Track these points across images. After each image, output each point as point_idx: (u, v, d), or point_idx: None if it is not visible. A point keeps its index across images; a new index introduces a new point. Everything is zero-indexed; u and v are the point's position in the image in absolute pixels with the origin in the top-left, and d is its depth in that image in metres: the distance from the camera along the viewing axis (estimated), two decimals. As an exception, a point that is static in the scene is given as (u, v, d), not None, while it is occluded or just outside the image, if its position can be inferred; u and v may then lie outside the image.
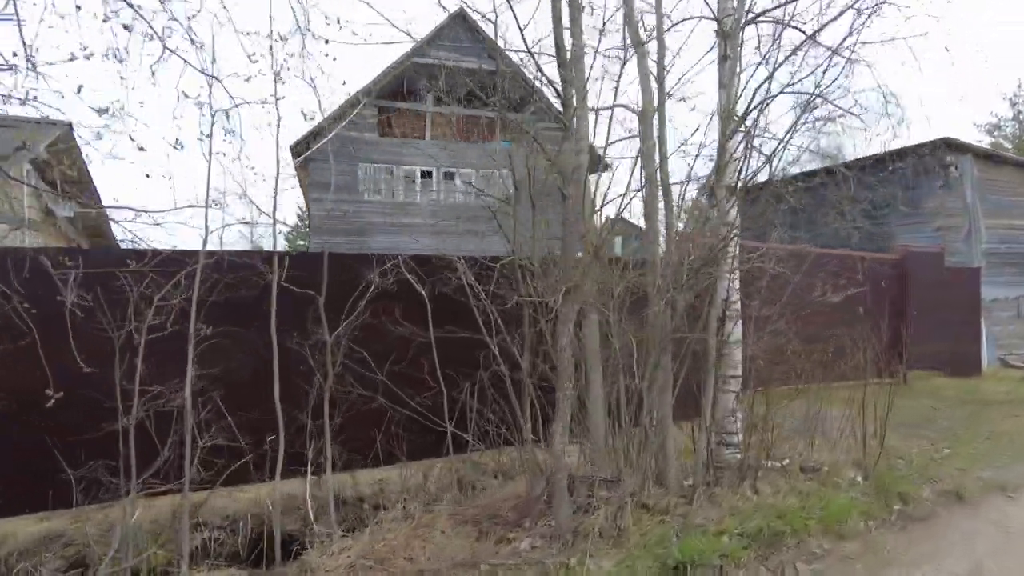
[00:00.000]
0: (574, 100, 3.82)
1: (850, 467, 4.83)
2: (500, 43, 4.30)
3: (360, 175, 18.64)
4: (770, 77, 4.37)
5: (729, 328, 4.60)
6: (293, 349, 4.94)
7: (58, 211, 10.08)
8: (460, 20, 18.68)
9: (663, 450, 4.56)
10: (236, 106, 3.71)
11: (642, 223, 5.48)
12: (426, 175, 19.27)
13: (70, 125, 9.43)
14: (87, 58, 3.24)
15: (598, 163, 5.39)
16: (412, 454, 5.43)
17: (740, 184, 4.47)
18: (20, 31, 2.97)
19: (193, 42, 3.79)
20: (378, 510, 4.71)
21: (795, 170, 5.96)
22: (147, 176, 4.04)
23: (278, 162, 4.57)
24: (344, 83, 17.74)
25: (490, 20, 4.18)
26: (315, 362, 4.85)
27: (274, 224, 4.76)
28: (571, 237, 3.74)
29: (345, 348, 4.89)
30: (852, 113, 4.67)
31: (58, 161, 8.50)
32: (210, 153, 3.63)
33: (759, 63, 4.65)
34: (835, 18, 4.34)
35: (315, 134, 17.88)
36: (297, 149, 17.89)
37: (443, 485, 5.10)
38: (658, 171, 4.98)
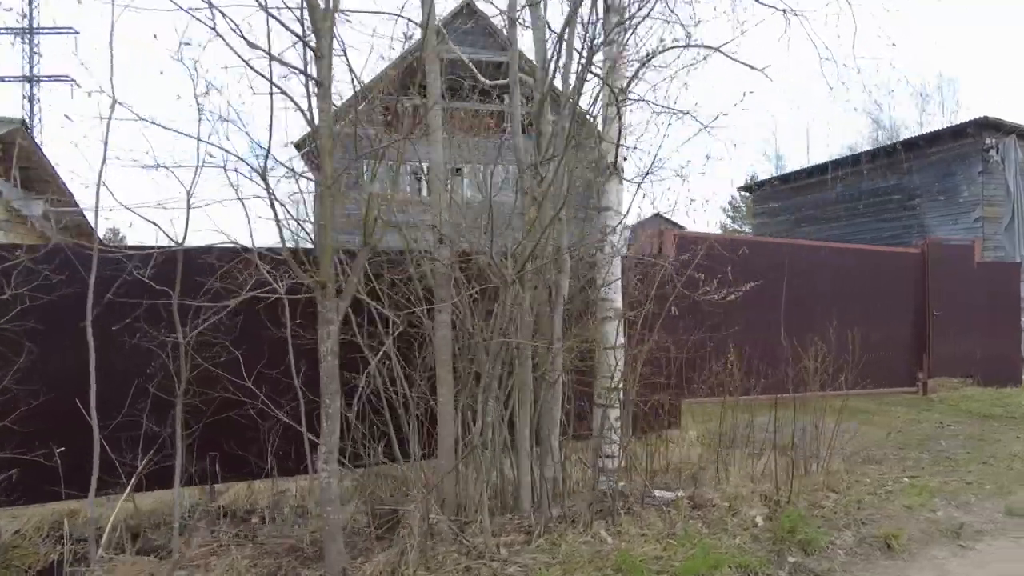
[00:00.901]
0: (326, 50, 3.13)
1: (757, 502, 3.94)
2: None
3: (366, 172, 18.29)
4: None
5: (606, 330, 3.81)
6: (146, 351, 4.50)
7: (27, 210, 10.11)
8: (469, 12, 18.18)
9: (518, 476, 3.83)
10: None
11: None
12: (431, 171, 18.81)
13: (23, 122, 9.42)
14: None
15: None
16: (288, 467, 4.90)
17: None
18: None
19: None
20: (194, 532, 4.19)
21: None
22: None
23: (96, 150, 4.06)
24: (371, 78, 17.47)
25: None
26: (174, 367, 4.38)
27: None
28: (326, 220, 3.08)
29: (211, 351, 4.40)
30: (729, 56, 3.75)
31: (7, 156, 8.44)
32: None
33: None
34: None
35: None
36: (301, 145, 17.80)
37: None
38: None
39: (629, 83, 3.94)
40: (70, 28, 39.78)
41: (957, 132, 12.77)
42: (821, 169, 17.06)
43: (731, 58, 3.77)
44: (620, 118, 3.72)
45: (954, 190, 13.08)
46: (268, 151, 3.13)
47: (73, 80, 40.55)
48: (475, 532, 3.41)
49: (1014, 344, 10.46)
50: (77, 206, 11.31)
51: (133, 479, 4.34)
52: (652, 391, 4.16)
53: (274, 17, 2.90)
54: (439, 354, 3.93)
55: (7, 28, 30.65)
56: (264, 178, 3.07)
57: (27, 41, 33.41)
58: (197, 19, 2.93)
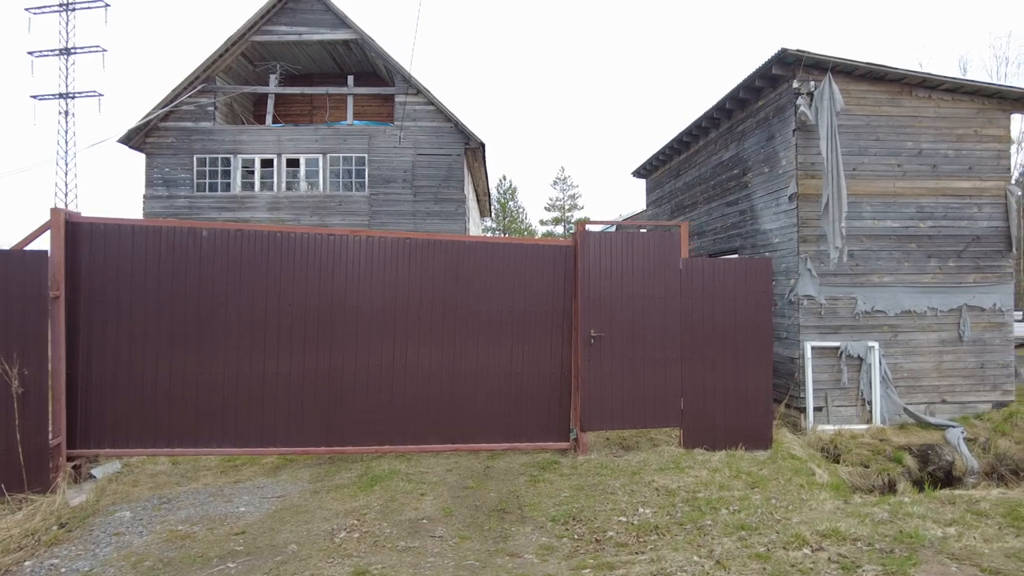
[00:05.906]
0: None
1: None
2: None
3: (196, 167, 16.88)
4: None
5: None
6: None
7: None
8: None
9: None
10: None
11: None
12: (267, 163, 17.02)
13: None
14: None
15: None
16: None
17: None
18: None
19: None
20: None
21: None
22: None
23: None
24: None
25: None
26: None
27: None
28: None
29: None
30: None
31: None
32: None
33: None
34: None
35: (147, 125, 16.51)
36: (131, 142, 16.66)
37: None
38: None
39: None
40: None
41: (766, 76, 9.01)
42: (683, 142, 13.36)
43: None
44: None
45: (774, 158, 9.33)
46: None
47: (101, 94, 42.90)
48: None
49: (758, 383, 6.87)
50: None
51: None
52: None
53: None
54: None
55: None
56: None
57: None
58: None
